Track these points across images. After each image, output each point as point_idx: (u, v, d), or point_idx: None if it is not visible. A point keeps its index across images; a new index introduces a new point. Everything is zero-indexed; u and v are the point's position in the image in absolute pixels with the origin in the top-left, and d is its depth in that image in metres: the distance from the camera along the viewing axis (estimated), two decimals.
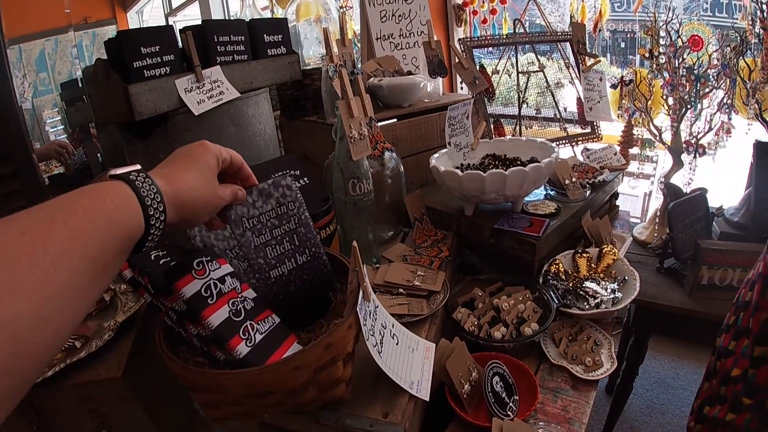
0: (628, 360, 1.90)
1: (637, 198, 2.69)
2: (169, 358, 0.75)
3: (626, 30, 3.93)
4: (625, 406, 2.33)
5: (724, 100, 1.89)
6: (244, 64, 1.47)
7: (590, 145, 2.00)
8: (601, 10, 2.78)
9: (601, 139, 2.09)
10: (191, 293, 0.74)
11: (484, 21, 3.10)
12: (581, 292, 1.28)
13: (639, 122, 2.03)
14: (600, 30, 2.82)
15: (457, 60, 1.83)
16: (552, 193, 1.57)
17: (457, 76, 2.81)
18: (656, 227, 1.91)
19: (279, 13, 2.99)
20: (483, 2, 3.07)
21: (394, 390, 0.90)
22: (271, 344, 0.79)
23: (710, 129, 1.91)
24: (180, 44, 1.34)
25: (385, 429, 0.85)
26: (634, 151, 2.24)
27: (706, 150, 1.96)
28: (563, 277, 1.32)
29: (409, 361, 0.97)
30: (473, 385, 1.04)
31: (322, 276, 0.97)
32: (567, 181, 1.54)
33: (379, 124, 1.48)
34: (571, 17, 2.73)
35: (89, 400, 1.08)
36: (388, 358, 0.91)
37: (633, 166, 2.24)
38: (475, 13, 3.12)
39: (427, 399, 0.93)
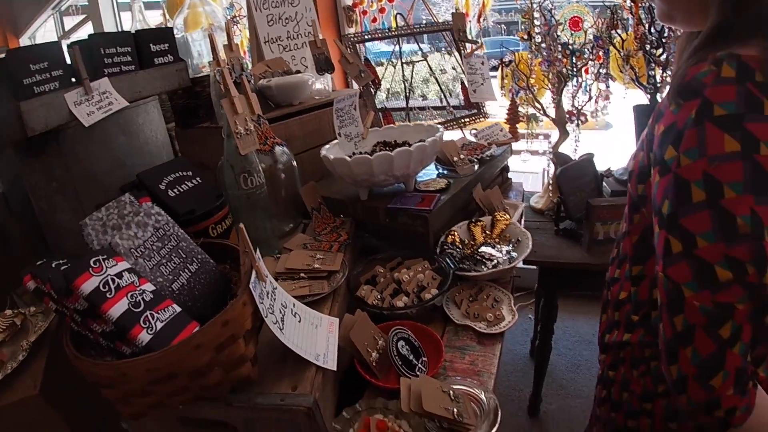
0: (542, 320, 2.06)
1: (537, 174, 2.88)
2: (74, 356, 0.78)
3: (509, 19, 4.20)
4: (553, 368, 2.52)
5: (600, 70, 2.08)
6: (131, 74, 1.51)
7: (479, 125, 2.14)
8: (483, 2, 2.96)
9: (488, 118, 2.24)
10: (90, 290, 0.79)
11: (374, 20, 3.22)
12: (478, 257, 1.38)
13: (524, 100, 2.20)
14: (484, 19, 3.00)
15: (342, 56, 1.92)
16: (443, 171, 1.67)
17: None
18: (550, 194, 2.07)
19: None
20: (372, 2, 3.19)
21: (301, 365, 0.96)
22: (172, 330, 0.83)
23: (590, 98, 2.09)
24: (68, 59, 1.36)
25: (296, 400, 0.90)
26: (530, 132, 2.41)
27: (589, 117, 2.14)
28: (460, 245, 1.43)
29: (313, 336, 1.03)
30: (381, 353, 1.11)
31: (215, 275, 1.05)
32: (455, 159, 1.66)
33: (272, 123, 1.55)
34: (456, 9, 2.90)
35: (14, 426, 1.08)
36: (291, 334, 0.97)
37: (523, 144, 2.40)
38: (364, 13, 3.23)
39: (335, 369, 0.99)
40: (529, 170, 2.81)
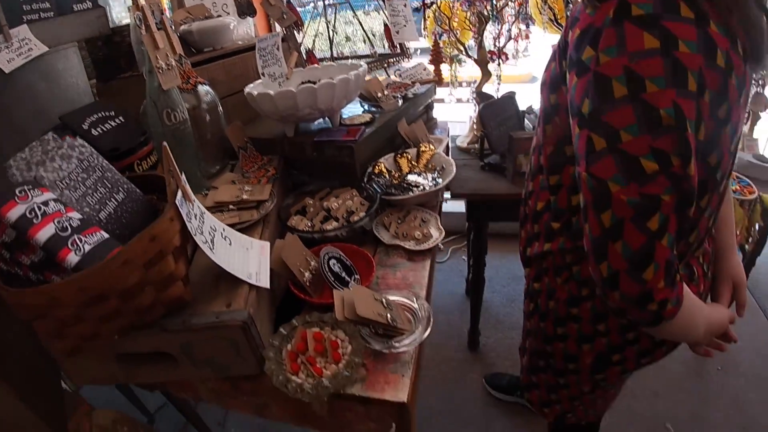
0: (474, 253, 2.15)
1: (465, 123, 2.96)
2: (3, 288, 0.78)
3: None
4: (489, 305, 2.67)
5: (520, 11, 2.15)
6: (50, 21, 1.49)
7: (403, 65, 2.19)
8: None
9: (411, 58, 2.29)
10: (16, 216, 0.80)
11: None
12: (405, 185, 1.44)
13: (447, 43, 2.26)
14: None
15: None
16: (368, 107, 1.72)
17: None
18: (475, 132, 2.14)
19: None
20: None
21: (234, 284, 1.00)
22: (101, 252, 0.84)
23: (510, 38, 2.17)
24: None
25: (230, 316, 0.94)
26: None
27: (510, 57, 2.22)
28: (386, 175, 1.47)
29: (244, 257, 1.06)
30: (314, 273, 1.15)
31: (142, 204, 1.08)
32: (380, 95, 1.70)
33: (195, 67, 1.55)
34: None
35: None
36: (222, 255, 0.99)
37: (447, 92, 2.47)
38: None
39: (268, 286, 1.03)
40: (457, 119, 2.89)
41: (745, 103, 0.83)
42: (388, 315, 1.00)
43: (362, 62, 1.65)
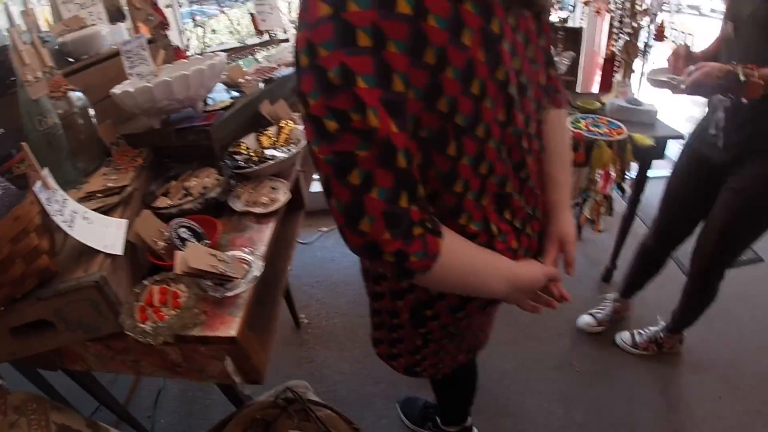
0: None
1: None
2: None
3: None
4: None
5: None
6: None
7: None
8: None
9: (279, 44, 2.47)
10: None
11: None
12: (264, 159, 1.64)
13: None
14: None
15: (129, 2, 2.08)
16: (234, 94, 1.90)
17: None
18: None
19: None
20: None
21: (93, 255, 1.23)
22: None
23: None
24: None
25: (87, 278, 1.17)
26: None
27: None
28: (246, 152, 1.66)
29: (103, 233, 1.32)
30: (168, 242, 1.34)
31: (17, 196, 1.27)
32: (241, 80, 1.90)
33: (72, 75, 1.76)
34: None
35: None
36: (81, 232, 1.24)
37: None
38: None
39: (120, 253, 1.27)
40: None
41: (517, 45, 0.92)
42: (221, 267, 1.20)
43: (221, 53, 1.82)
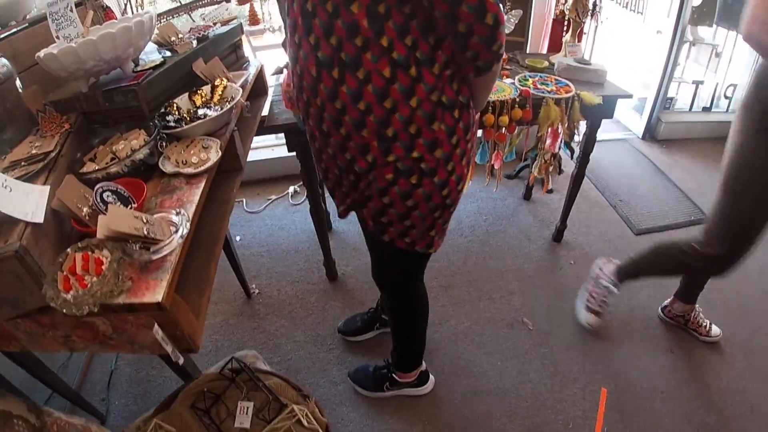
0: (306, 183, 2.35)
1: None
2: None
3: None
4: (345, 235, 3.13)
5: None
6: None
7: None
8: None
9: (220, 3, 2.38)
10: None
11: None
12: (195, 118, 1.56)
13: None
14: None
15: None
16: (166, 53, 1.81)
17: None
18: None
19: None
20: None
21: (13, 224, 1.14)
22: None
23: None
24: None
25: (6, 249, 1.07)
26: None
27: None
28: (177, 113, 1.58)
29: (23, 201, 1.21)
30: (93, 208, 1.26)
31: None
32: (173, 39, 1.80)
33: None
34: None
35: None
36: (1, 201, 1.13)
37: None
38: None
39: (41, 221, 1.17)
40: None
41: None
42: (145, 229, 1.12)
43: (150, 9, 1.73)
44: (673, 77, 4.35)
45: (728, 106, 4.72)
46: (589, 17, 2.71)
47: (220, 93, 1.71)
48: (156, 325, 1.15)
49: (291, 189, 3.70)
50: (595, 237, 3.26)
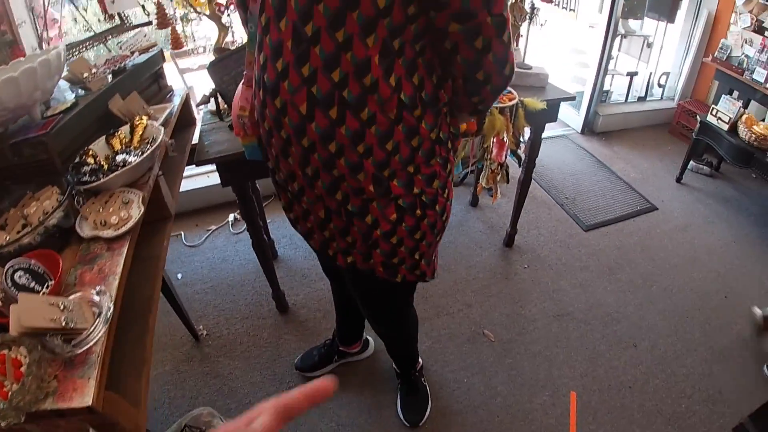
0: (246, 217, 2.18)
1: None
2: None
3: None
4: (292, 262, 2.99)
5: None
6: None
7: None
8: None
9: (135, 28, 2.18)
10: None
11: None
12: (113, 167, 1.38)
13: (178, 2, 2.17)
14: None
15: None
16: (79, 92, 1.62)
17: None
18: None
19: None
20: None
21: None
22: None
23: None
24: None
25: None
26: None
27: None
28: (94, 161, 1.40)
29: None
30: (5, 293, 1.07)
31: None
32: (86, 75, 1.60)
33: None
34: None
35: None
36: None
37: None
38: None
39: None
40: None
41: None
42: (63, 318, 0.96)
43: (59, 45, 1.54)
44: (608, 70, 4.37)
45: (662, 94, 4.78)
46: (527, 21, 2.63)
47: (141, 134, 1.52)
48: (91, 430, 0.98)
49: (231, 217, 3.45)
50: (546, 238, 3.22)
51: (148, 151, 1.42)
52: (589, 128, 4.60)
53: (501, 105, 2.22)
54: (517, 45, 2.65)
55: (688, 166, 3.89)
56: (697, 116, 3.69)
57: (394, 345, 2.05)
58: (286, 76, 1.05)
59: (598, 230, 3.30)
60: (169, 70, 2.16)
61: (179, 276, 2.98)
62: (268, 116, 1.16)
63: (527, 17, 2.51)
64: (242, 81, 1.32)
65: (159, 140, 1.45)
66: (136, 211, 1.29)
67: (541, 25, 2.70)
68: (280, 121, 1.13)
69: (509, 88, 2.32)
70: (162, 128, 1.50)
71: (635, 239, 3.23)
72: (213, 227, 3.40)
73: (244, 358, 2.45)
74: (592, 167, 4.04)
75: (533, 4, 2.60)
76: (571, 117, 4.69)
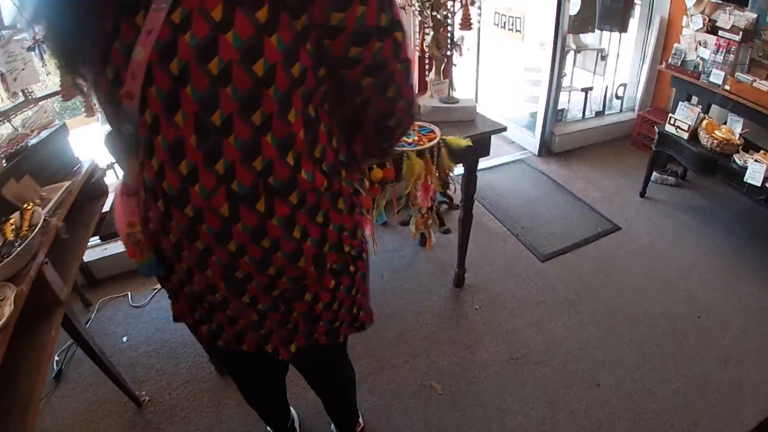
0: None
1: None
2: None
3: None
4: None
5: None
6: None
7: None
8: None
9: (38, 103, 2.20)
10: None
11: None
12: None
13: None
14: None
15: None
16: None
17: None
18: None
19: None
20: None
21: None
22: None
23: None
24: None
25: None
26: None
27: None
28: None
29: None
30: None
31: None
32: None
33: None
34: None
35: None
36: None
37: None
38: None
39: None
40: None
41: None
42: None
43: None
44: (561, 87, 4.42)
45: (621, 106, 4.84)
46: (452, 50, 2.65)
47: (29, 220, 1.54)
48: None
49: None
50: (500, 273, 3.19)
51: (27, 240, 1.43)
52: (546, 149, 4.57)
53: (418, 148, 2.16)
54: (445, 77, 2.65)
55: (652, 178, 3.92)
56: (655, 127, 3.72)
57: (341, 400, 2.04)
58: (195, 179, 0.93)
59: (557, 259, 3.28)
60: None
61: (125, 339, 2.96)
62: (175, 228, 1.01)
63: (449, 46, 2.52)
64: (118, 191, 1.12)
65: (36, 229, 1.46)
66: (8, 309, 1.30)
67: (461, 55, 2.71)
68: (194, 231, 1.00)
69: (430, 127, 2.31)
70: (42, 215, 1.52)
71: (597, 265, 3.20)
72: (158, 286, 3.36)
73: (185, 424, 2.44)
74: (549, 191, 4.04)
75: (452, 33, 2.60)
76: (527, 139, 4.65)
